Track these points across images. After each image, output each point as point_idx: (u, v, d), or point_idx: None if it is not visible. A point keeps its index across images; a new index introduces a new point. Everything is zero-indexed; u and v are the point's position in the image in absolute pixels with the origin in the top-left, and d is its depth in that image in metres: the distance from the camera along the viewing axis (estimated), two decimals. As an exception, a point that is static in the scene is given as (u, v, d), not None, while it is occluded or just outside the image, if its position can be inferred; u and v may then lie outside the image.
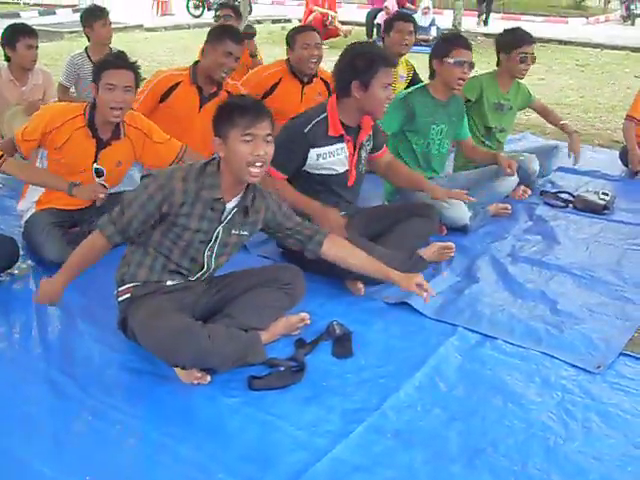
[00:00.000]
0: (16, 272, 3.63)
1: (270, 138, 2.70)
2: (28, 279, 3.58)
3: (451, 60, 4.07)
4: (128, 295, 2.82)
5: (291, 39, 4.87)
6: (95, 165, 3.78)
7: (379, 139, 3.80)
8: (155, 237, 2.78)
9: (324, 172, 3.57)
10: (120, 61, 3.62)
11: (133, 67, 3.64)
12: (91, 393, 2.64)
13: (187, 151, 3.98)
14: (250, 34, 6.03)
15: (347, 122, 3.52)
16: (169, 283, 2.85)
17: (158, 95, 4.48)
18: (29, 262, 3.73)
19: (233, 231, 2.85)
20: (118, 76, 3.56)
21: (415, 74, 5.77)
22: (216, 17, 6.64)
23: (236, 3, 18.28)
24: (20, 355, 2.92)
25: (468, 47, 4.14)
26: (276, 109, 4.46)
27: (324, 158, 3.52)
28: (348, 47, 3.56)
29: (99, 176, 3.82)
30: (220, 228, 2.80)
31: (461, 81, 4.13)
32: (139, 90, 3.97)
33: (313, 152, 3.49)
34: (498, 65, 4.80)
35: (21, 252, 3.66)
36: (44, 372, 2.78)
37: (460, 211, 4.04)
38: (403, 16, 5.63)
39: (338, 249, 3.05)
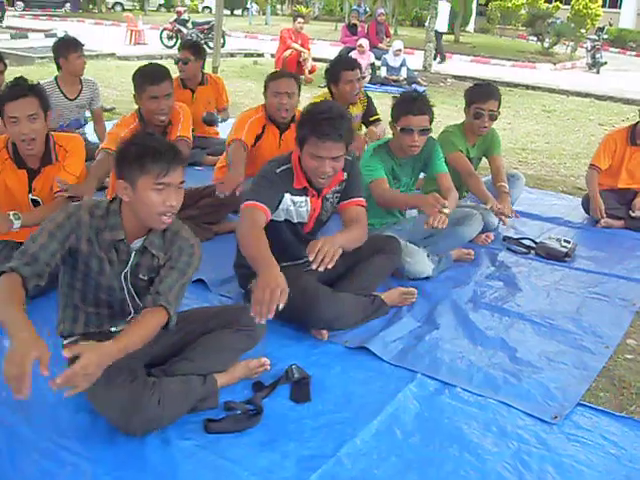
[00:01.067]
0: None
1: (182, 185, 2.56)
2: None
3: (399, 127, 4.02)
4: None
5: (265, 85, 4.71)
6: (30, 196, 3.69)
7: (347, 192, 3.56)
8: (66, 282, 2.69)
9: (281, 219, 3.45)
10: (18, 90, 3.46)
11: (34, 91, 3.48)
12: (43, 434, 2.59)
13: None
14: (209, 122, 6.04)
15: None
16: (113, 329, 2.78)
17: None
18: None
19: (140, 275, 2.70)
20: (20, 107, 3.42)
21: (369, 103, 5.75)
22: (176, 60, 6.52)
23: (202, 39, 18.57)
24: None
25: (421, 112, 3.98)
26: (260, 156, 4.54)
27: (294, 205, 3.41)
28: (312, 105, 3.47)
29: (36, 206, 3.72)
30: (126, 273, 2.68)
31: (413, 147, 4.03)
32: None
33: (288, 197, 3.38)
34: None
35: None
36: (-5, 411, 2.72)
37: (421, 265, 4.04)
38: (347, 63, 5.34)
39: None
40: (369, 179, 3.99)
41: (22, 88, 3.48)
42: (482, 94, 4.74)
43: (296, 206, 3.43)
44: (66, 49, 5.81)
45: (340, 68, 5.25)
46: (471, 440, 2.71)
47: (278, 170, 3.36)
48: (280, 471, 2.46)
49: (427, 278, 4.15)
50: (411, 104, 4.00)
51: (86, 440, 2.58)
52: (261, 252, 2.98)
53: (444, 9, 17.69)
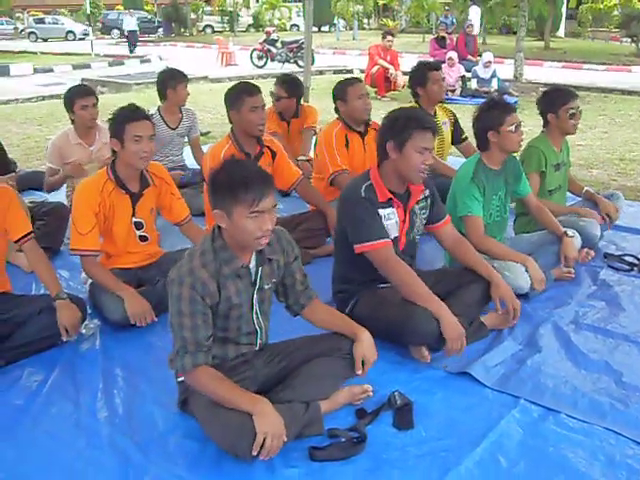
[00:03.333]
0: (83, 331, 3.75)
1: (276, 207, 2.65)
2: (95, 339, 3.70)
3: (510, 127, 4.04)
4: None
5: (342, 92, 5.02)
6: (134, 219, 3.93)
7: (436, 209, 3.73)
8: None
9: None
10: (140, 113, 3.80)
11: (149, 118, 3.83)
12: (153, 460, 2.71)
13: (190, 220, 4.18)
14: None
15: (392, 187, 3.48)
16: (231, 355, 2.89)
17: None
18: (96, 321, 3.86)
19: (265, 286, 2.86)
20: (143, 127, 3.73)
21: (456, 120, 5.83)
22: (270, 93, 6.48)
23: (291, 58, 18.85)
24: (85, 418, 3.01)
25: (515, 110, 4.16)
26: (350, 165, 4.91)
27: (386, 219, 3.49)
28: (390, 111, 3.60)
29: (139, 229, 3.99)
30: (255, 290, 2.82)
31: (520, 143, 4.13)
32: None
33: (381, 212, 3.47)
34: (545, 126, 4.79)
35: (89, 311, 3.79)
36: (108, 437, 2.86)
37: (521, 280, 3.98)
38: (431, 64, 5.68)
39: (319, 315, 3.10)
40: (466, 211, 4.00)
41: (142, 111, 3.83)
42: (568, 94, 4.69)
43: (386, 219, 3.49)
44: (173, 79, 6.06)
45: (426, 70, 5.47)
46: (578, 469, 2.67)
47: (362, 192, 3.43)
48: (385, 500, 2.49)
49: (527, 296, 4.09)
50: (508, 105, 4.16)
51: (196, 467, 2.67)
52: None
53: (475, 14, 17.56)
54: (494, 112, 4.09)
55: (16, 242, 3.56)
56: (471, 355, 3.47)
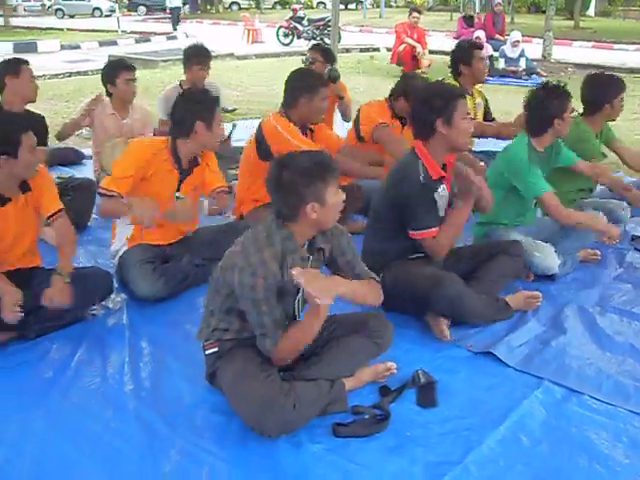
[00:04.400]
0: (110, 306, 3.80)
1: None
2: (122, 313, 3.75)
3: (571, 114, 4.06)
4: (215, 349, 2.89)
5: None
6: (176, 194, 3.95)
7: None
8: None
9: None
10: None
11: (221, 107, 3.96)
12: (180, 433, 2.75)
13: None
14: (334, 78, 6.00)
15: (438, 164, 3.53)
16: None
17: None
18: (122, 296, 3.91)
19: None
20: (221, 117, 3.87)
21: (487, 102, 5.82)
22: (304, 59, 6.62)
23: (318, 36, 18.70)
24: (113, 391, 3.06)
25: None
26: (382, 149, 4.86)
27: (439, 198, 3.55)
28: (419, 91, 3.66)
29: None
30: None
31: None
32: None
33: (436, 195, 3.53)
34: (591, 113, 4.73)
35: (115, 285, 3.83)
36: (135, 410, 2.91)
37: (550, 260, 3.99)
38: (474, 43, 5.76)
39: None
40: (540, 191, 4.01)
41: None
42: (621, 82, 4.69)
43: (440, 197, 3.55)
44: (188, 60, 6.06)
45: (472, 48, 5.52)
46: (601, 451, 2.67)
47: (422, 178, 3.45)
48: (408, 477, 2.52)
49: (553, 279, 4.09)
50: (565, 91, 4.09)
51: (221, 441, 2.71)
52: None
53: None
54: (559, 99, 4.06)
55: (47, 219, 3.61)
56: (494, 335, 3.48)
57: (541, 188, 4.01)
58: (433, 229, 3.48)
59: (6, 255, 3.45)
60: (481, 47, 5.65)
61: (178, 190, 3.95)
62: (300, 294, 2.84)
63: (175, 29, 26.13)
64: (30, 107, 5.00)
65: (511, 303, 3.67)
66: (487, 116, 5.76)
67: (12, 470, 2.55)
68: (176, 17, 27.07)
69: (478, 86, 5.71)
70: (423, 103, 3.48)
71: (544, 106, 4.06)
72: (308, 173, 2.63)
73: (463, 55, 5.48)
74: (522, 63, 13.23)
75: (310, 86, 4.41)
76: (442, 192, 3.56)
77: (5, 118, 3.33)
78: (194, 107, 3.81)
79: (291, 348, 2.75)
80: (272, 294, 2.67)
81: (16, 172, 3.30)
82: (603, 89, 4.68)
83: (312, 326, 2.69)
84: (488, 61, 13.08)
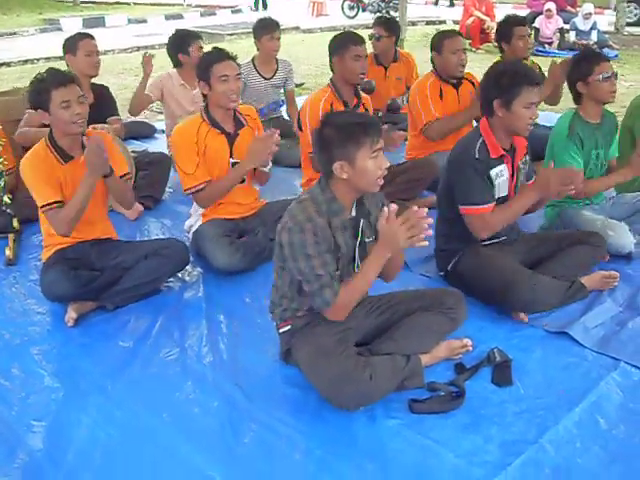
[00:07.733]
0: (187, 279, 3.88)
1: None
2: (198, 286, 3.82)
3: (598, 77, 3.93)
4: (289, 327, 2.93)
5: (438, 44, 4.95)
6: (231, 160, 3.97)
7: (530, 166, 3.70)
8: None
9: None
10: (225, 54, 3.86)
11: (233, 58, 3.88)
12: (258, 405, 2.81)
13: None
14: (369, 90, 5.88)
15: (500, 143, 3.47)
16: None
17: None
18: (199, 269, 3.98)
19: (367, 239, 2.86)
20: (229, 67, 3.81)
21: (543, 75, 5.60)
22: (370, 35, 6.55)
23: (383, 9, 18.40)
24: (191, 362, 3.14)
25: (608, 59, 4.06)
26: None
27: (498, 177, 3.48)
28: (493, 65, 3.61)
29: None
30: (357, 243, 2.84)
31: (613, 94, 4.00)
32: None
33: (492, 172, 3.45)
34: None
35: (191, 259, 3.90)
36: (213, 381, 2.99)
37: (625, 238, 3.92)
38: (517, 19, 5.57)
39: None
40: None
41: (225, 52, 3.90)
42: None
43: (498, 177, 3.48)
44: (259, 30, 6.07)
45: (512, 24, 5.39)
46: (680, 435, 2.64)
47: (476, 153, 3.41)
48: (484, 454, 2.53)
49: (629, 257, 4.00)
50: (599, 54, 4.13)
51: (298, 414, 2.77)
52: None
53: None
54: (583, 63, 4.01)
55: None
56: (570, 315, 3.44)
57: (573, 165, 3.89)
58: (480, 206, 3.41)
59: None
60: (524, 23, 5.48)
61: (231, 156, 3.97)
62: (358, 260, 2.84)
63: (255, 5, 24.37)
64: (100, 80, 5.13)
65: (587, 283, 3.61)
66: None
67: (98, 439, 2.65)
68: None
69: (542, 57, 5.58)
70: (490, 79, 3.45)
71: (570, 71, 4.08)
72: (343, 131, 2.64)
73: (503, 31, 5.42)
74: (593, 36, 12.89)
75: (339, 46, 4.44)
76: (501, 172, 3.49)
77: (37, 76, 3.42)
78: (197, 70, 3.91)
79: (350, 298, 2.75)
80: (325, 250, 2.67)
81: (56, 127, 3.43)
82: None
83: (369, 272, 2.71)
84: (532, 38, 12.80)
